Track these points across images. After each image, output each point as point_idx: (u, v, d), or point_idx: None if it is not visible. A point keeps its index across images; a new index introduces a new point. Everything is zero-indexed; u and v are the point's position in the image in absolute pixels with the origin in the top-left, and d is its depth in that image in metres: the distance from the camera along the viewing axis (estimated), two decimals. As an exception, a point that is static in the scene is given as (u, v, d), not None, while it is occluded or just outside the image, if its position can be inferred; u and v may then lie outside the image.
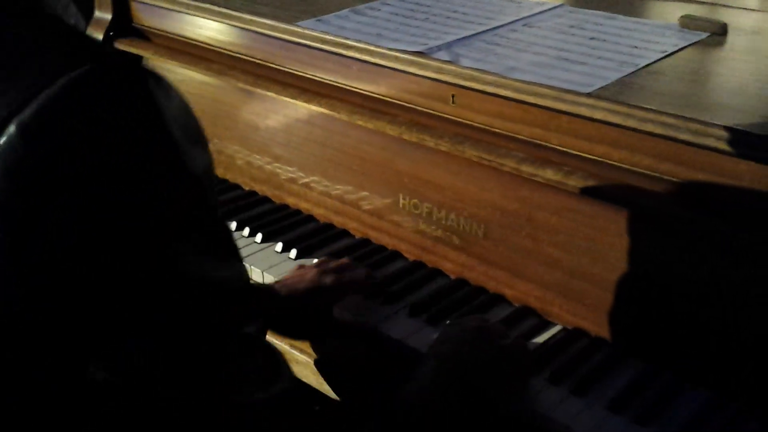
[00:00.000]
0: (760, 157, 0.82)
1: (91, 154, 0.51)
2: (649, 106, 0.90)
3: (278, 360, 0.73)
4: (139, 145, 0.53)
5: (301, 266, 1.14)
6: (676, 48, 1.08)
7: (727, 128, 0.85)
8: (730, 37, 1.14)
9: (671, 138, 0.88)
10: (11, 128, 0.50)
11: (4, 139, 0.50)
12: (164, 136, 0.54)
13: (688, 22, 1.16)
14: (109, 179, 0.52)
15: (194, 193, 0.57)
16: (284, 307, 1.07)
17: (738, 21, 1.22)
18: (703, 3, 1.32)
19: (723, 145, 0.85)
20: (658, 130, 0.89)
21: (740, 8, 1.31)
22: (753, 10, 1.31)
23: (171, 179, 0.55)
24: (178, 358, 0.59)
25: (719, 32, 1.14)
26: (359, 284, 1.13)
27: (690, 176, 0.90)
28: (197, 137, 0.59)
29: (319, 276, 1.10)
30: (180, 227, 0.56)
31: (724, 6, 1.31)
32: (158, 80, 0.56)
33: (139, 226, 0.54)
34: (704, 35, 1.14)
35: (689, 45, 1.10)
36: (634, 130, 0.91)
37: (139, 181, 0.53)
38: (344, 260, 1.17)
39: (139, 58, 1.54)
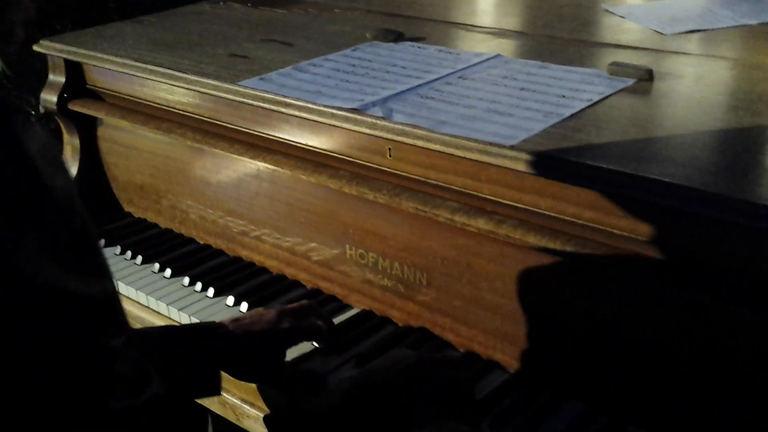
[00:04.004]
0: (665, 204, 0.86)
1: None
2: (566, 158, 0.93)
3: (147, 369, 0.75)
4: (3, 173, 0.61)
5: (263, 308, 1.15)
6: (601, 96, 1.12)
7: (642, 178, 0.88)
8: (656, 83, 1.19)
9: (590, 188, 0.91)
10: None
11: None
12: (26, 164, 0.63)
13: (615, 69, 1.20)
14: None
15: (55, 209, 0.64)
16: (237, 347, 1.07)
17: (666, 66, 1.27)
18: (645, 49, 1.37)
19: (636, 194, 0.88)
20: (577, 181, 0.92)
21: (676, 53, 1.36)
22: (687, 54, 1.36)
23: (32, 197, 0.63)
24: None
25: (646, 78, 1.19)
26: (315, 332, 1.15)
27: (611, 223, 0.93)
28: (57, 163, 0.68)
29: (277, 318, 1.11)
30: (40, 240, 0.62)
31: (665, 52, 1.36)
32: (25, 118, 0.64)
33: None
34: (631, 82, 1.18)
35: (615, 92, 1.14)
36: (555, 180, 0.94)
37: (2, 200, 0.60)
38: (305, 302, 1.17)
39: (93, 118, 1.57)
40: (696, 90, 1.18)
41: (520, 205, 1.01)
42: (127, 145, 1.56)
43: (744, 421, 0.90)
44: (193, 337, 1.06)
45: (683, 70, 1.26)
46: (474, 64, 1.29)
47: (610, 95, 1.13)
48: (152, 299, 1.32)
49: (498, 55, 1.33)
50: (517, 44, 1.48)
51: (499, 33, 1.53)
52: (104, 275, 0.69)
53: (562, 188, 0.96)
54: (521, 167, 0.96)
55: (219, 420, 1.30)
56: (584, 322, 1.01)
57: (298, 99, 1.19)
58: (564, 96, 1.12)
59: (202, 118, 1.37)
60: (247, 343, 1.07)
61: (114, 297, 0.69)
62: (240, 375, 1.13)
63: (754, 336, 0.86)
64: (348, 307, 1.28)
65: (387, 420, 0.89)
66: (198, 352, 1.03)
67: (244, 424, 1.20)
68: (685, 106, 1.13)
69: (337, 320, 1.22)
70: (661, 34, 1.45)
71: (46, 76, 1.58)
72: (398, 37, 1.46)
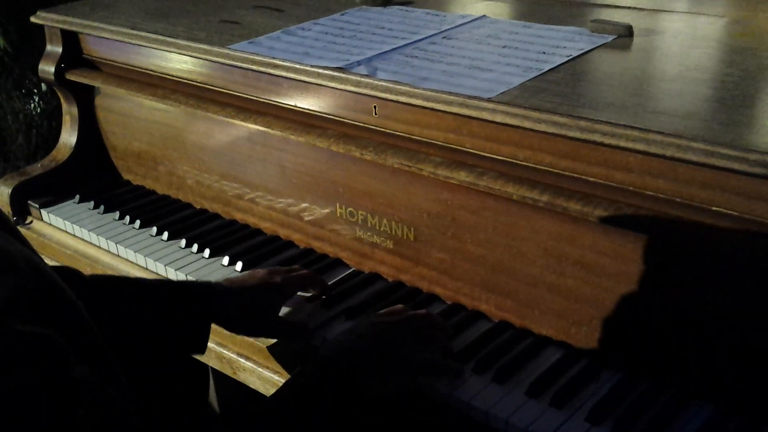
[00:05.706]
0: (638, 150, 0.89)
1: None
2: (542, 107, 0.96)
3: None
4: None
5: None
6: (581, 52, 1.15)
7: (611, 124, 0.91)
8: (636, 39, 1.21)
9: (564, 136, 0.94)
10: None
11: None
12: None
13: (596, 27, 1.23)
14: None
15: None
16: (233, 302, 1.11)
17: (648, 23, 1.29)
18: (629, 8, 1.39)
19: (609, 140, 0.91)
20: (551, 129, 0.95)
21: (659, 11, 1.38)
22: (670, 11, 1.38)
23: None
24: None
25: (625, 34, 1.21)
26: (306, 281, 1.19)
27: (585, 171, 0.96)
28: None
29: (269, 274, 1.16)
30: None
31: (648, 10, 1.38)
32: None
33: None
34: (611, 38, 1.20)
35: (595, 48, 1.17)
36: (531, 130, 0.97)
37: None
38: (295, 266, 1.22)
39: (91, 87, 1.61)
40: (674, 44, 1.20)
41: (499, 157, 1.04)
42: (124, 114, 1.59)
43: None
44: (189, 291, 1.10)
45: (664, 26, 1.28)
46: (459, 25, 1.31)
47: (590, 51, 1.16)
48: (150, 261, 1.36)
49: (483, 16, 1.36)
50: (503, 6, 1.50)
51: (487, -4, 1.56)
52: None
53: (539, 139, 0.99)
54: (499, 119, 0.99)
55: (218, 376, 1.35)
56: (565, 269, 1.04)
57: (285, 60, 1.22)
58: (545, 52, 1.15)
59: (195, 83, 1.40)
60: (240, 297, 1.11)
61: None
62: (235, 328, 1.16)
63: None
64: (339, 264, 1.31)
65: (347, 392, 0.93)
66: (193, 305, 1.08)
67: (240, 377, 1.24)
68: (661, 59, 1.15)
69: (328, 277, 1.26)
70: (646, -7, 1.47)
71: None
72: (387, 1, 1.49)
